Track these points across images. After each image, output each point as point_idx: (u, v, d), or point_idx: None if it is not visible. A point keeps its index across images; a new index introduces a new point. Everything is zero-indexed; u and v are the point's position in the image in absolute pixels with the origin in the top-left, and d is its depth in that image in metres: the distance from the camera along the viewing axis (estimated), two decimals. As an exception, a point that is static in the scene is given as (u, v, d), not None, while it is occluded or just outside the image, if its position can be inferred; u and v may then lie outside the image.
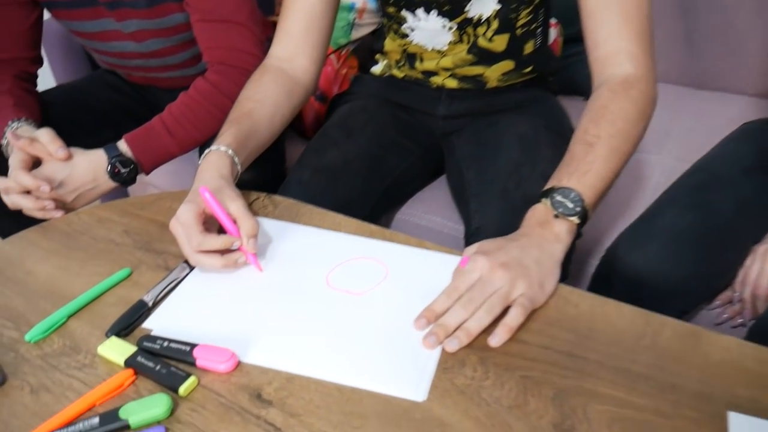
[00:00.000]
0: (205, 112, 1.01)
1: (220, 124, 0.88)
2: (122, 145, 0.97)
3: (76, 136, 1.14)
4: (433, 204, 1.12)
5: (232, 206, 0.75)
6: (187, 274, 0.76)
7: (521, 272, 0.69)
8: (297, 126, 1.38)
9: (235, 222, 0.75)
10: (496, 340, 0.65)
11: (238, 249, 0.75)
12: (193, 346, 0.65)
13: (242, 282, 0.75)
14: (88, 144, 1.00)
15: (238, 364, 0.64)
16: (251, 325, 0.69)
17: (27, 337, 0.68)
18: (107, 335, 0.68)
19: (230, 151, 0.82)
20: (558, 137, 1.03)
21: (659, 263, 0.86)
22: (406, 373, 0.62)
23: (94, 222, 0.87)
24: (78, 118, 1.23)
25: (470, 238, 0.92)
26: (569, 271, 0.91)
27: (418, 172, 1.13)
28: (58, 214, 0.93)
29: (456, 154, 1.07)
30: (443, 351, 0.65)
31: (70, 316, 0.71)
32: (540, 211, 0.76)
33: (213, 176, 0.78)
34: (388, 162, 1.06)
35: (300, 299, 0.72)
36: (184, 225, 0.73)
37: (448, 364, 0.64)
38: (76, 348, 0.67)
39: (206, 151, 0.82)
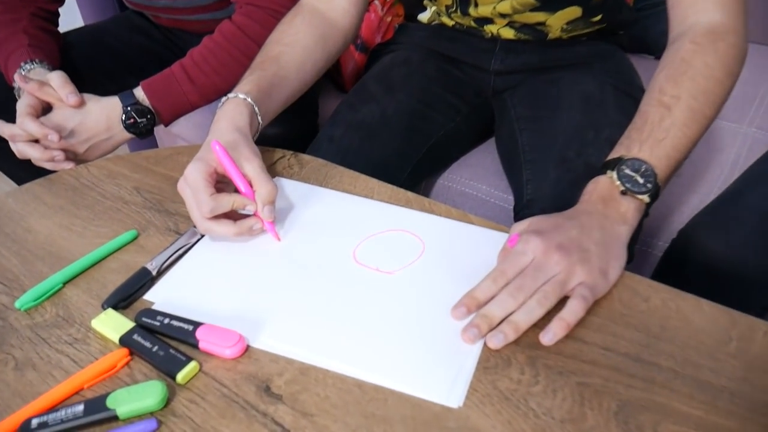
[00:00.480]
0: (228, 56, 0.91)
1: (245, 71, 0.78)
2: (139, 93, 0.88)
3: (97, 80, 1.07)
4: (480, 170, 1.01)
5: (248, 166, 0.66)
6: (197, 241, 0.68)
7: (581, 256, 0.58)
8: (335, 78, 1.27)
9: (251, 184, 0.66)
10: (549, 337, 0.55)
11: (254, 215, 0.66)
12: (196, 325, 0.57)
13: (257, 252, 0.66)
14: (111, 90, 0.92)
15: (246, 350, 0.56)
16: (264, 303, 0.60)
17: (17, 304, 0.61)
18: (103, 307, 0.60)
19: (249, 100, 0.72)
20: (627, 99, 0.90)
21: (745, 250, 0.74)
22: (440, 371, 0.53)
23: (104, 176, 0.79)
24: (100, 62, 1.15)
25: (520, 212, 0.81)
26: (634, 253, 0.80)
27: (464, 134, 1.01)
28: (69, 165, 0.85)
29: (508, 115, 0.94)
30: (485, 347, 0.55)
31: (66, 282, 0.63)
32: (604, 184, 0.64)
33: (228, 128, 0.69)
34: (431, 120, 0.95)
35: (321, 276, 0.62)
36: (192, 186, 0.64)
37: (490, 363, 0.54)
38: (70, 319, 0.60)
39: (223, 99, 0.72)
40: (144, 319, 0.58)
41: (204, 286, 0.62)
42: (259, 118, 0.74)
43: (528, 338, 0.56)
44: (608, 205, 0.63)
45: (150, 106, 0.88)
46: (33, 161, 0.85)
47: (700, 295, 0.60)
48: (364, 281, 0.62)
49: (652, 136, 0.65)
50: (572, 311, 0.56)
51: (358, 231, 0.67)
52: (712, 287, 0.68)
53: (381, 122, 0.89)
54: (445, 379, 0.52)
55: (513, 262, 0.59)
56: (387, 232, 0.67)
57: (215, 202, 0.63)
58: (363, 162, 0.84)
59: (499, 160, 0.99)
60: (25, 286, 0.63)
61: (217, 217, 0.64)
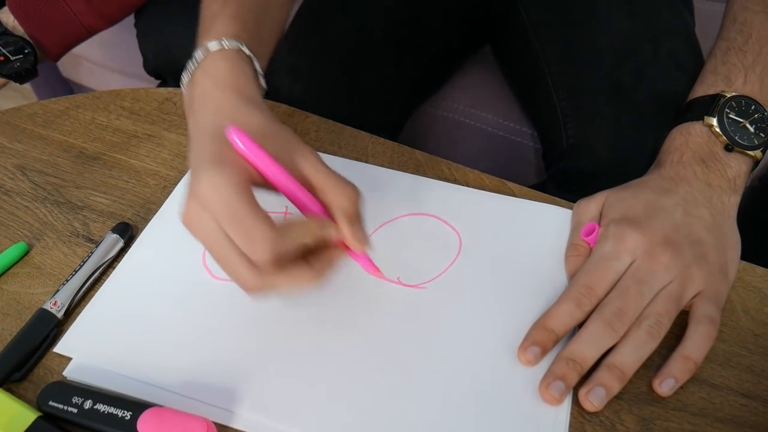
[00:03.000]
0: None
1: None
2: (6, 17, 0.61)
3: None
4: (482, 93, 0.79)
5: (305, 164, 0.37)
6: (120, 251, 0.46)
7: (696, 253, 0.41)
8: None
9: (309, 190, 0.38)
10: (669, 384, 0.38)
11: (335, 243, 0.38)
12: (138, 409, 0.37)
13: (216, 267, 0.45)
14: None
15: (220, 441, 0.37)
16: (237, 354, 0.40)
17: None
18: (-14, 385, 0.39)
19: (246, 49, 0.43)
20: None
21: None
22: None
23: (-30, 150, 0.54)
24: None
25: (560, 161, 0.61)
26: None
27: (459, 46, 0.78)
28: None
29: (519, 21, 0.71)
30: (575, 406, 0.38)
31: None
32: (700, 136, 0.47)
33: (239, 104, 0.39)
34: (421, 33, 0.71)
35: (317, 298, 0.42)
36: (227, 213, 0.34)
37: (586, 433, 0.37)
38: (-66, 407, 0.38)
39: (200, 53, 0.42)
40: (52, 404, 0.37)
41: (143, 331, 0.41)
42: (262, 80, 0.44)
43: (634, 386, 0.39)
44: (711, 168, 0.46)
45: (26, 36, 0.61)
46: None
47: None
48: (381, 303, 0.42)
49: (761, 60, 0.48)
50: (698, 344, 0.39)
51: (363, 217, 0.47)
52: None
53: (360, 43, 0.65)
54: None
55: (601, 271, 0.40)
56: (404, 217, 0.47)
57: (282, 234, 0.34)
58: (342, 103, 0.62)
59: (506, 80, 0.77)
60: None
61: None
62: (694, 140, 0.46)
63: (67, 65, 1.12)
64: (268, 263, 0.33)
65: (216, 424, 0.36)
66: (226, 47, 0.42)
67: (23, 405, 0.37)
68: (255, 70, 0.43)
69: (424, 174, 0.51)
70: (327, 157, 0.52)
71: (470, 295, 0.43)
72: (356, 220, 0.37)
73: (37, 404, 0.38)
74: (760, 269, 0.45)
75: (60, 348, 0.41)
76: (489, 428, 0.36)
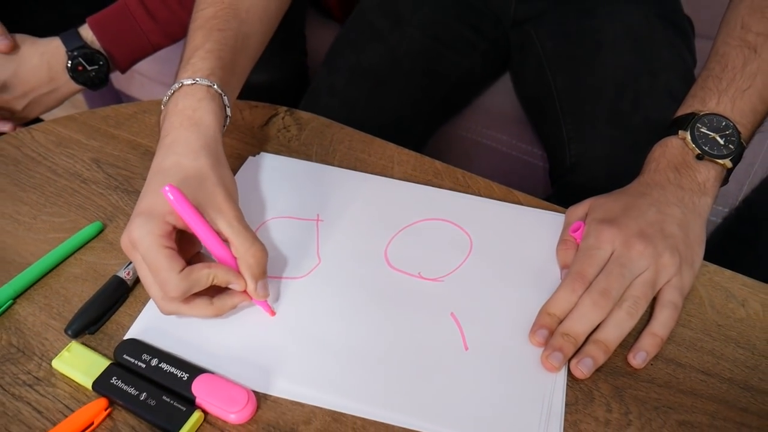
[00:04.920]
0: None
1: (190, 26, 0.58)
2: (86, 33, 0.70)
3: (33, 10, 0.88)
4: (498, 116, 0.87)
5: (221, 222, 0.45)
6: (181, 234, 0.54)
7: (667, 245, 0.48)
8: (318, 2, 1.08)
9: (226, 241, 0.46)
10: (641, 357, 0.45)
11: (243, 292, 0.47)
12: (194, 373, 0.44)
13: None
14: (51, 22, 0.74)
15: (257, 410, 0.43)
16: (278, 331, 0.47)
17: (-47, 332, 0.47)
18: (68, 333, 0.47)
19: (216, 87, 0.50)
20: (676, 32, 0.77)
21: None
22: (523, 417, 0.42)
23: (53, 145, 0.63)
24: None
25: (562, 177, 0.69)
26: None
27: (480, 74, 0.87)
28: (6, 127, 0.69)
29: (534, 53, 0.80)
30: (567, 378, 0.45)
31: (17, 297, 0.50)
32: (675, 148, 0.53)
33: (188, 147, 0.46)
34: (446, 61, 0.79)
35: (348, 288, 0.50)
36: (147, 257, 0.43)
37: (568, 398, 0.44)
38: (27, 349, 0.47)
39: (174, 87, 0.50)
40: (125, 357, 0.45)
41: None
42: (228, 110, 0.52)
43: (610, 361, 0.46)
44: (682, 174, 0.52)
45: (102, 50, 0.71)
46: (-42, 124, 0.68)
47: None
48: (404, 293, 0.49)
49: (734, 85, 0.54)
50: (664, 323, 0.46)
51: (385, 223, 0.55)
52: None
53: (390, 66, 0.74)
54: (531, 428, 0.41)
55: (588, 259, 0.48)
56: (421, 222, 0.55)
57: (187, 282, 0.43)
58: (372, 118, 0.70)
59: (521, 105, 0.85)
60: (-37, 303, 0.49)
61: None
62: (669, 151, 0.53)
63: (120, 77, 1.22)
64: (176, 299, 0.43)
65: (256, 393, 0.43)
66: (198, 83, 0.49)
67: (98, 354, 0.45)
68: (222, 107, 0.50)
69: (441, 180, 0.59)
70: (355, 173, 0.59)
71: (481, 286, 0.50)
72: (259, 276, 0.45)
73: (114, 356, 0.45)
74: (728, 272, 0.51)
75: (137, 321, 0.48)
76: (501, 393, 0.43)
